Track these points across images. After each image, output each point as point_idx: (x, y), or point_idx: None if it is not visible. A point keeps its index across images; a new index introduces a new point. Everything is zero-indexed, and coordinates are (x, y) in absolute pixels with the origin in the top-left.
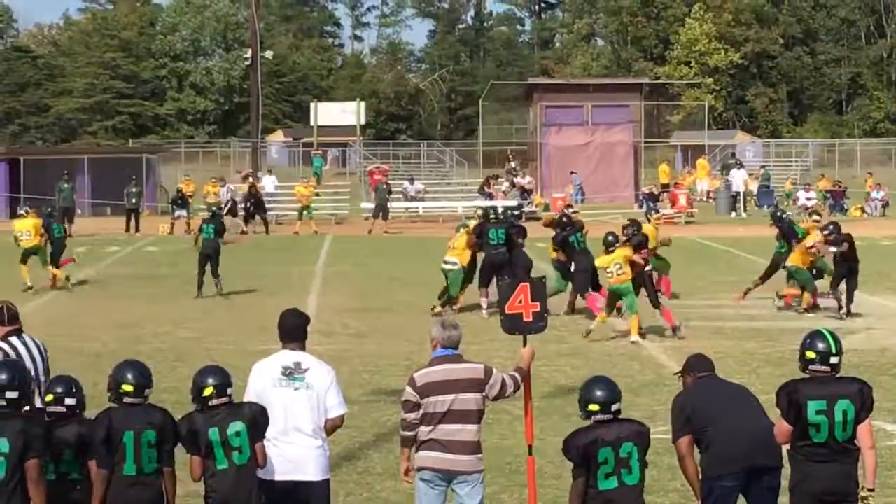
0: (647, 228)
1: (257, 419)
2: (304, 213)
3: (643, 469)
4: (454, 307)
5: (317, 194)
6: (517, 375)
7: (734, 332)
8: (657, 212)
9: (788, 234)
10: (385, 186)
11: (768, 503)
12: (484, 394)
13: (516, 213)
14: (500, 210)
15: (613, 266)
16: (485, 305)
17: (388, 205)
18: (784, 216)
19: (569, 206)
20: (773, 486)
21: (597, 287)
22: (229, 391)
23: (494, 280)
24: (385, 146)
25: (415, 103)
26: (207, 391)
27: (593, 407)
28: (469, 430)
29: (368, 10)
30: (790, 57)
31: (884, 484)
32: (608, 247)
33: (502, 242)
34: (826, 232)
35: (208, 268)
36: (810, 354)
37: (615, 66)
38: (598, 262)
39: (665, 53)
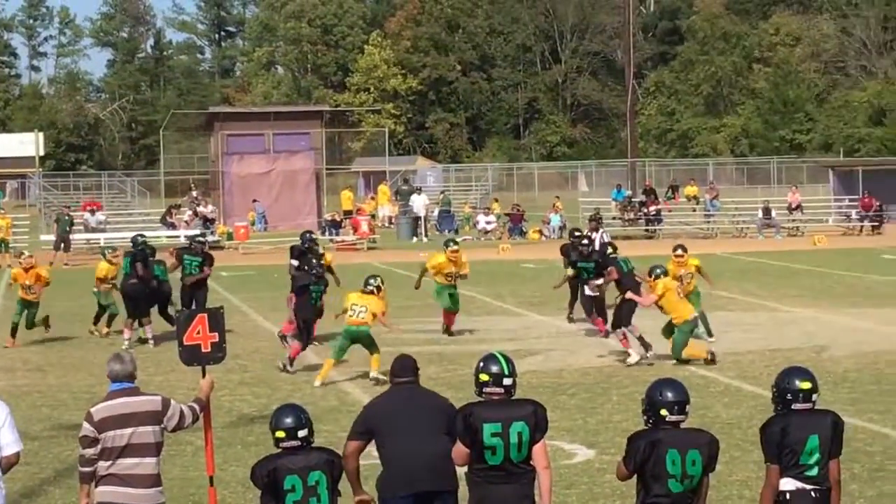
0: (440, 259)
1: None
2: (1, 246)
3: (334, 498)
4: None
5: None
6: (196, 406)
7: (416, 356)
8: (455, 243)
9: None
10: (67, 218)
11: None
12: (163, 426)
13: (201, 241)
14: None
15: (358, 307)
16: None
17: (70, 237)
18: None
19: None
20: None
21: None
22: None
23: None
24: (65, 177)
25: (95, 133)
26: None
27: (280, 434)
28: (148, 463)
29: (45, 39)
30: (467, 82)
31: (561, 503)
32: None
33: (195, 273)
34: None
35: None
36: (484, 377)
37: (296, 94)
38: (348, 299)
39: (345, 80)
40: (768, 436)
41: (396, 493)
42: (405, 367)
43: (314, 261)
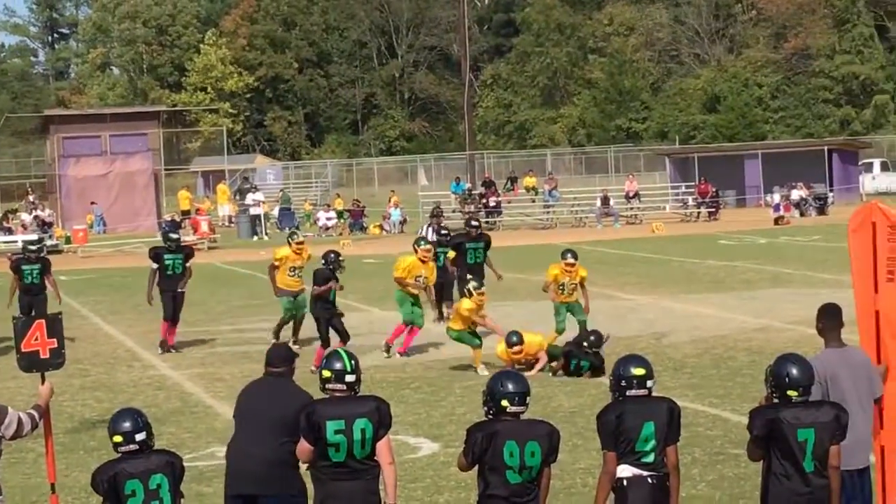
0: (410, 260)
1: None
2: None
3: (177, 500)
4: None
5: None
6: (35, 413)
7: (261, 355)
8: (427, 241)
9: None
10: None
11: None
12: (0, 434)
13: (32, 249)
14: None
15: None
16: None
17: None
18: None
19: None
20: None
21: None
22: None
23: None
24: None
25: None
26: None
27: (117, 438)
28: None
29: None
30: (305, 80)
31: (407, 497)
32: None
33: (36, 282)
34: None
35: None
36: (326, 374)
37: (132, 95)
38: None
39: (182, 80)
40: (604, 424)
41: (226, 491)
42: (278, 357)
43: (332, 255)
